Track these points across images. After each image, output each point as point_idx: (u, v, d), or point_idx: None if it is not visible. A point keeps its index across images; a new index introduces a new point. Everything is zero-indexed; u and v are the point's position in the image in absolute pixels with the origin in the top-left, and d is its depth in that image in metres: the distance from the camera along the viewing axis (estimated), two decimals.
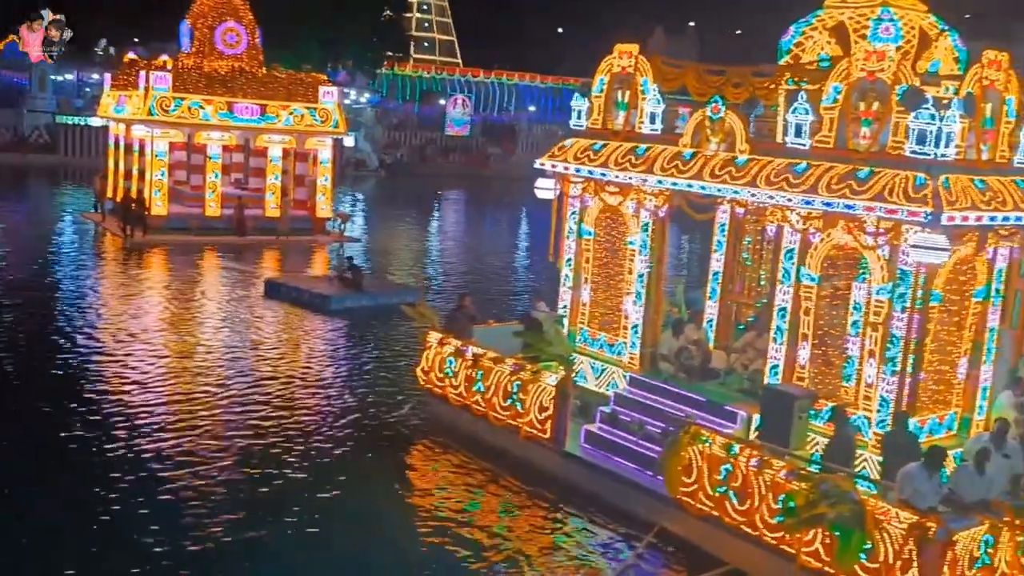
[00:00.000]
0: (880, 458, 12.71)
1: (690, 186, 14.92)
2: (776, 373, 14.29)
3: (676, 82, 15.99)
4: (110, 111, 42.08)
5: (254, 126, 38.59)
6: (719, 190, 14.53)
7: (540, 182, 17.55)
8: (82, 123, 67.09)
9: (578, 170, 16.78)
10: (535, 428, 15.73)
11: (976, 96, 12.69)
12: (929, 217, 12.04)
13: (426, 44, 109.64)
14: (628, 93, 16.25)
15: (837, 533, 11.46)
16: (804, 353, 14.09)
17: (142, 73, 37.90)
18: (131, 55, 44.91)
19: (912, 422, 13.05)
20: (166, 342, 22.69)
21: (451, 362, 17.32)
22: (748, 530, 12.63)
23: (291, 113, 38.98)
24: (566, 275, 17.59)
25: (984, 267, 13.60)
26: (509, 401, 16.15)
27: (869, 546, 11.24)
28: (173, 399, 18.58)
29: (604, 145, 16.51)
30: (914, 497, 11.17)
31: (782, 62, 15.93)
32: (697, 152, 15.05)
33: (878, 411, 13.10)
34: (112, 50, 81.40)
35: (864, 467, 13.00)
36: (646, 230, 16.11)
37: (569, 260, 17.52)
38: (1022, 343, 17.09)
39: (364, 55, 79.04)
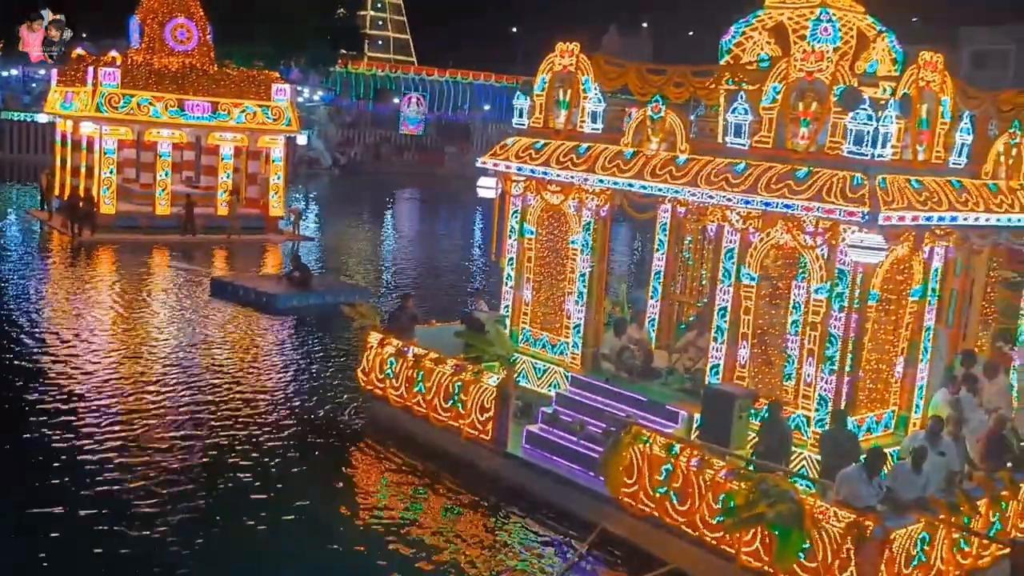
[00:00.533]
0: (819, 457, 12.76)
1: (631, 185, 14.88)
2: (717, 373, 14.30)
3: (618, 81, 15.96)
4: (57, 107, 41.39)
5: (205, 124, 38.15)
6: (660, 189, 14.50)
7: (482, 181, 17.42)
8: (28, 119, 65.91)
9: (520, 169, 16.67)
10: (476, 429, 15.59)
11: (912, 97, 12.80)
12: (866, 217, 12.10)
13: (380, 42, 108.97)
14: (570, 92, 16.17)
15: (776, 532, 11.47)
16: (744, 352, 14.12)
17: (90, 69, 37.35)
18: (79, 50, 44.14)
19: (851, 421, 13.12)
20: (106, 341, 22.28)
21: (392, 363, 17.11)
22: (689, 530, 12.61)
23: (243, 111, 38.61)
24: (508, 274, 17.47)
25: (920, 267, 13.73)
26: (450, 402, 15.99)
27: (808, 545, 11.27)
28: (111, 399, 18.17)
29: (546, 144, 16.42)
30: (852, 498, 11.22)
31: (723, 62, 16.01)
32: (638, 151, 15.02)
33: (817, 410, 13.17)
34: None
35: (803, 466, 13.05)
36: (588, 229, 16.05)
37: (511, 259, 17.40)
38: (957, 342, 17.36)
39: (318, 53, 78.42)
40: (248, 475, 15.21)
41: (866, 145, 12.50)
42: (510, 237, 17.39)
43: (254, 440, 16.65)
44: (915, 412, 14.06)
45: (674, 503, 12.76)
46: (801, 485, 12.03)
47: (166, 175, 38.27)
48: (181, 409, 17.91)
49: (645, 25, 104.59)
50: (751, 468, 12.34)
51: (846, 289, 12.86)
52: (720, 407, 13.47)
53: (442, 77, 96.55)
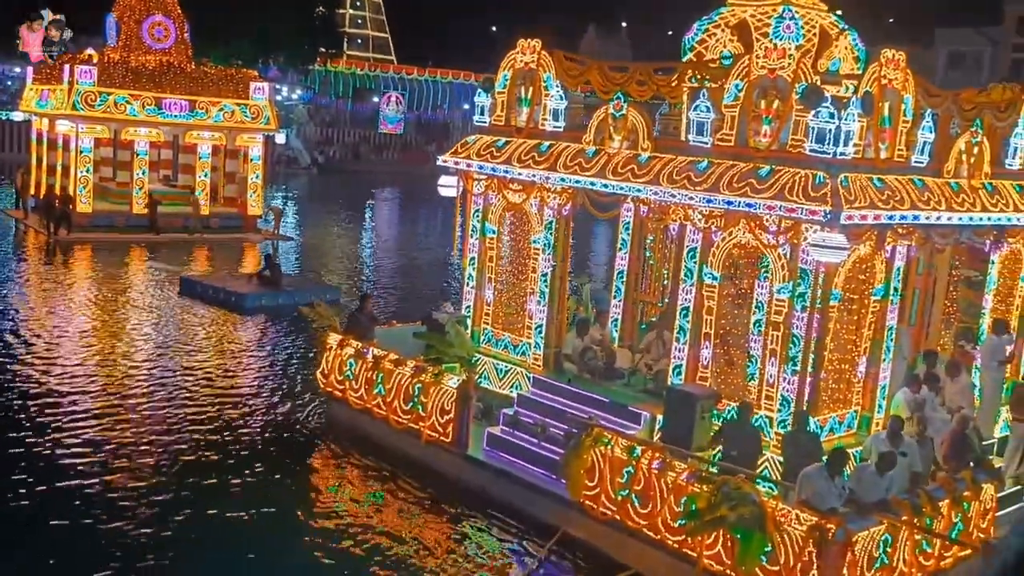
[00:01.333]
0: (781, 458, 12.63)
1: (593, 184, 14.69)
2: (679, 373, 14.15)
3: (580, 78, 15.77)
4: (33, 105, 40.89)
5: (183, 122, 37.82)
6: (622, 188, 14.32)
7: (443, 179, 17.17)
8: (3, 117, 64.83)
9: (481, 167, 16.44)
10: (437, 432, 15.34)
11: (874, 95, 12.68)
12: (828, 216, 11.98)
13: (359, 41, 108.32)
14: (531, 89, 15.96)
15: (738, 535, 11.32)
16: (707, 353, 13.97)
17: (66, 67, 36.88)
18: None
19: (813, 421, 13.01)
20: (69, 341, 21.98)
21: (351, 364, 16.82)
22: (651, 533, 12.43)
23: (221, 109, 38.22)
24: (470, 274, 17.24)
25: (883, 266, 13.63)
26: (410, 404, 15.73)
27: (770, 548, 11.13)
28: (69, 397, 17.90)
29: (507, 142, 16.20)
30: (814, 499, 11.09)
31: (686, 60, 15.87)
32: (600, 149, 14.83)
33: (779, 411, 13.04)
34: None
35: (766, 467, 12.92)
36: (550, 229, 15.84)
37: (473, 259, 17.17)
38: (919, 340, 17.35)
39: (296, 51, 77.93)
40: (203, 477, 14.90)
41: (828, 143, 12.38)
42: (471, 236, 17.15)
43: (210, 441, 16.35)
44: (877, 412, 13.96)
45: (635, 506, 12.58)
46: (764, 487, 11.90)
47: (143, 174, 37.89)
48: (138, 409, 17.63)
49: (624, 25, 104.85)
50: (714, 471, 12.18)
51: (808, 289, 12.73)
52: (682, 408, 13.31)
53: (421, 76, 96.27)
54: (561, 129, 15.62)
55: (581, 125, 15.44)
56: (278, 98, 63.42)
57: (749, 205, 12.77)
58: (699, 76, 14.20)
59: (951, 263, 17.15)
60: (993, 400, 15.61)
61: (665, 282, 17.11)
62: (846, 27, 15.68)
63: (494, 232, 16.89)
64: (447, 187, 17.07)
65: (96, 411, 17.34)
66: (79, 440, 15.90)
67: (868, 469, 11.74)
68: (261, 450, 16.23)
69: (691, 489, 11.94)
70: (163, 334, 23.22)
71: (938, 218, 13.44)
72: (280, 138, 50.51)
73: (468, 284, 17.30)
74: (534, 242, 16.16)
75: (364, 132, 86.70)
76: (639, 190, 14.10)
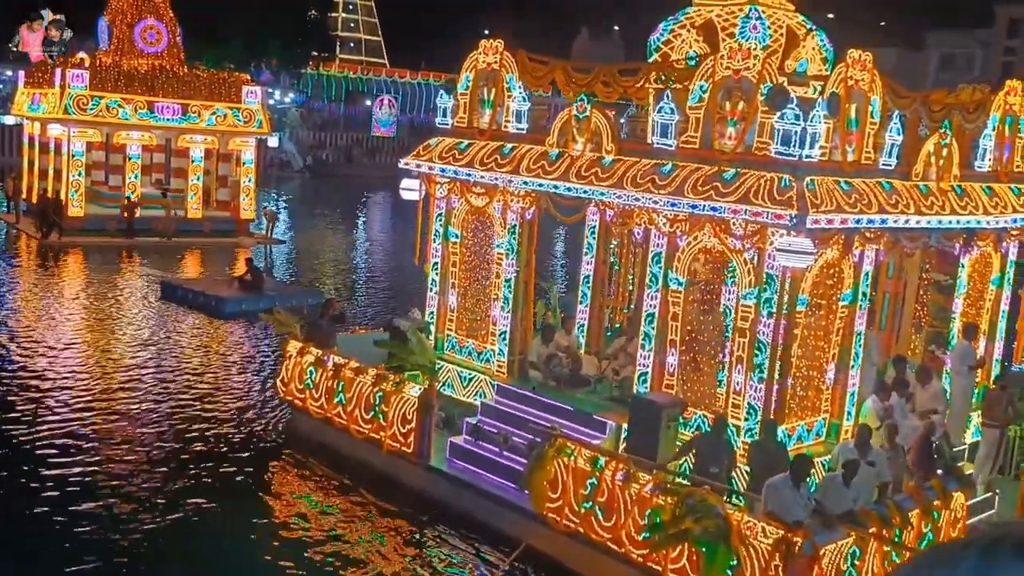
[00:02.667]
0: (748, 468, 12.33)
1: (556, 187, 14.35)
2: (645, 381, 13.83)
3: (544, 79, 15.44)
4: (24, 109, 40.72)
5: (175, 126, 37.74)
6: (585, 192, 13.99)
7: (405, 182, 16.81)
8: None
9: (443, 170, 16.07)
10: (398, 441, 14.95)
11: (841, 96, 12.41)
12: (794, 220, 11.69)
13: (352, 44, 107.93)
14: (494, 90, 15.61)
15: (703, 549, 11.01)
16: (673, 360, 13.66)
17: (58, 70, 36.75)
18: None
19: (781, 430, 12.72)
20: (43, 343, 21.87)
21: (312, 372, 16.41)
22: (615, 547, 12.11)
23: (213, 113, 38.13)
24: (433, 280, 16.86)
25: (851, 270, 13.36)
26: (371, 413, 15.34)
27: (735, 562, 10.82)
28: (30, 398, 17.77)
29: (470, 144, 15.84)
30: (780, 510, 10.79)
31: (651, 60, 15.58)
32: (563, 152, 14.49)
33: (746, 419, 12.74)
34: None
35: (733, 478, 12.61)
36: (513, 233, 15.49)
37: (436, 264, 16.80)
38: (889, 345, 17.14)
39: (289, 54, 77.68)
40: (158, 487, 14.57)
41: (794, 146, 12.09)
42: (434, 241, 16.78)
43: (169, 446, 16.02)
44: (846, 419, 13.68)
45: (599, 518, 12.25)
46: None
47: (135, 178, 37.82)
48: (99, 414, 17.39)
49: (617, 28, 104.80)
50: (680, 482, 11.87)
51: (774, 294, 12.44)
52: (646, 417, 12.99)
53: (414, 79, 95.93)
54: (524, 131, 15.27)
55: (545, 127, 15.09)
56: (271, 102, 63.17)
57: (714, 209, 12.46)
58: (663, 77, 13.88)
59: (921, 267, 16.95)
60: (963, 405, 15.39)
61: (630, 287, 16.80)
62: (813, 27, 15.43)
63: (457, 237, 16.53)
64: (409, 190, 16.71)
65: (55, 414, 17.03)
66: (36, 443, 15.50)
67: (835, 479, 11.46)
68: (219, 460, 15.82)
69: (655, 501, 11.63)
70: (135, 339, 22.89)
71: (906, 221, 13.17)
72: (273, 142, 50.49)
73: (431, 290, 16.92)
74: (497, 247, 15.82)
75: (357, 135, 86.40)
76: (603, 194, 13.78)
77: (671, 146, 13.31)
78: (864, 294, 13.66)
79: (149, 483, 14.66)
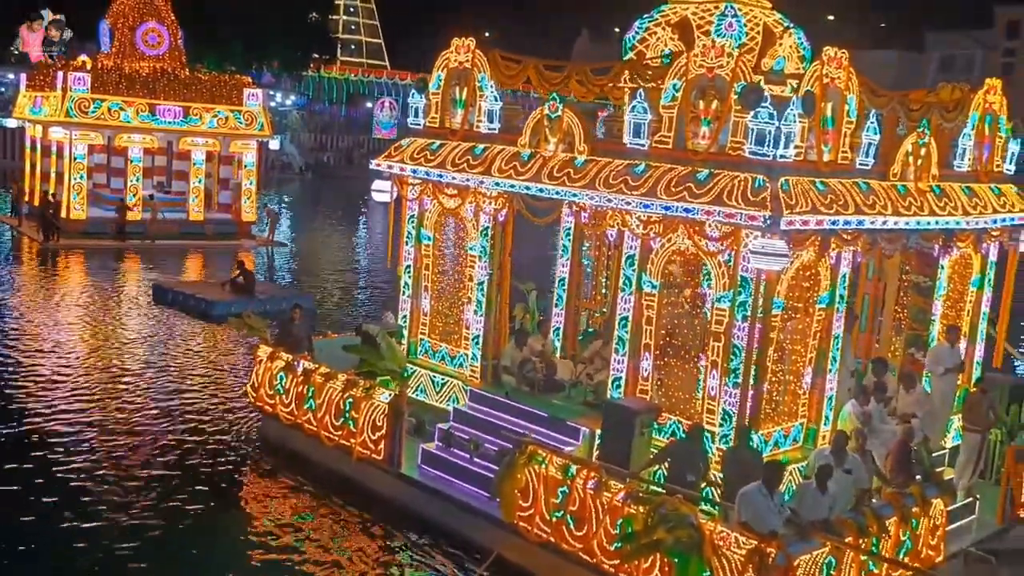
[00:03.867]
0: (723, 476, 12.04)
1: (528, 188, 14.04)
2: (619, 386, 13.54)
3: (516, 78, 15.13)
4: (26, 112, 40.74)
5: (177, 128, 37.78)
6: (558, 193, 13.68)
7: (376, 184, 16.49)
8: None
9: (414, 171, 15.75)
10: (368, 448, 14.62)
11: (816, 95, 12.12)
12: (768, 221, 11.41)
13: (353, 47, 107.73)
14: (466, 90, 15.29)
15: (675, 560, 10.72)
16: (647, 365, 13.37)
17: (60, 73, 36.76)
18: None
19: (757, 436, 12.45)
20: (26, 345, 21.83)
21: (282, 378, 16.07)
22: (587, 557, 11.80)
23: (215, 116, 38.19)
24: (405, 283, 16.54)
25: (827, 273, 13.09)
26: (341, 420, 15.00)
27: (708, 573, 10.53)
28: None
29: (442, 145, 15.52)
30: (753, 519, 10.50)
31: (627, 59, 15.31)
32: (535, 152, 14.19)
33: (721, 425, 12.45)
34: None
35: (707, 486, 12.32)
36: (486, 235, 15.17)
37: (408, 267, 16.47)
38: (870, 348, 16.89)
39: (289, 57, 77.76)
40: (126, 492, 14.34)
41: (768, 145, 11.81)
42: (407, 243, 16.46)
43: (140, 452, 15.82)
44: (824, 424, 13.41)
45: (571, 528, 11.94)
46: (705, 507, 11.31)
47: (137, 180, 37.84)
48: (66, 415, 17.28)
49: (617, 30, 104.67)
50: (652, 490, 11.58)
51: (749, 298, 12.16)
52: (620, 423, 12.70)
53: (415, 81, 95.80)
54: (496, 131, 14.96)
55: (519, 127, 14.77)
56: (272, 104, 63.44)
57: (687, 210, 12.17)
58: (636, 76, 13.59)
59: (901, 268, 16.70)
60: (944, 409, 15.14)
61: (604, 291, 16.52)
62: (791, 25, 15.19)
63: (430, 239, 16.21)
64: (381, 192, 16.39)
65: (30, 415, 16.97)
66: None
67: (810, 486, 11.17)
68: (186, 469, 15.50)
69: (627, 510, 11.32)
70: (117, 342, 22.85)
71: (884, 223, 12.91)
72: (274, 144, 50.41)
73: (404, 293, 16.60)
74: (470, 249, 15.50)
75: (358, 137, 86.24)
76: (575, 195, 13.48)
77: (644, 146, 13.02)
78: (841, 297, 13.39)
79: (111, 487, 14.45)
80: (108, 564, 12.38)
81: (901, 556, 11.81)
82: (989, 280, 16.13)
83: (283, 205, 56.37)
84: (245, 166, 39.87)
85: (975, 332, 16.15)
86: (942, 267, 15.29)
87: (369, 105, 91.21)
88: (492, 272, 15.20)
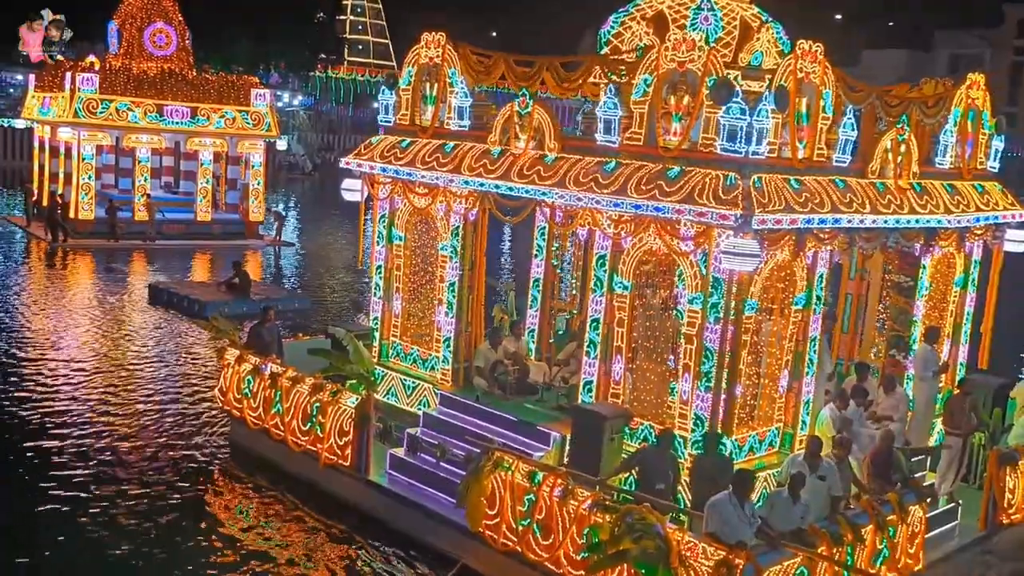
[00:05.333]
0: (691, 483, 11.68)
1: (497, 187, 13.66)
2: (590, 390, 13.16)
3: (487, 74, 14.73)
4: (35, 113, 40.83)
5: (185, 129, 37.88)
6: (527, 191, 13.29)
7: (346, 183, 16.12)
8: (6, 124, 65.64)
9: (384, 169, 15.37)
10: (335, 454, 14.25)
11: (790, 90, 11.75)
12: (739, 220, 11.04)
13: (360, 47, 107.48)
14: (436, 86, 14.90)
15: (642, 571, 10.34)
16: (619, 368, 12.99)
17: (68, 74, 36.82)
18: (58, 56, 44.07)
19: (730, 441, 12.07)
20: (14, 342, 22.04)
21: (249, 381, 15.68)
22: (553, 567, 11.43)
23: (222, 116, 38.24)
24: (376, 284, 16.15)
25: (803, 273, 12.71)
26: (309, 424, 14.63)
27: None
28: None
29: (412, 142, 15.14)
30: (722, 529, 10.13)
31: (601, 53, 14.93)
32: (505, 150, 13.81)
33: (693, 430, 12.08)
34: None
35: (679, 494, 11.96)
36: (456, 234, 14.79)
37: (379, 267, 16.08)
38: (853, 348, 16.54)
39: (297, 57, 77.96)
40: (92, 496, 14.15)
41: (740, 142, 11.42)
42: (378, 243, 16.07)
43: (108, 456, 15.65)
44: (801, 429, 13.03)
45: (537, 537, 11.57)
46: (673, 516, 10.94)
47: (145, 180, 38.01)
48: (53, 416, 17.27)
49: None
50: (621, 499, 11.21)
51: (721, 299, 11.78)
52: (589, 429, 12.33)
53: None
54: (467, 128, 14.57)
55: (489, 124, 14.38)
56: (279, 104, 63.46)
57: (658, 209, 11.79)
58: (609, 71, 13.21)
59: (884, 267, 16.35)
60: (926, 412, 14.77)
61: (574, 291, 16.15)
62: (770, 19, 14.81)
63: (401, 239, 15.82)
64: (351, 191, 16.02)
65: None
66: None
67: (781, 495, 10.80)
68: (156, 471, 15.27)
69: (593, 519, 10.95)
70: (106, 341, 22.83)
71: (861, 221, 12.53)
72: (281, 144, 50.11)
73: (375, 294, 16.21)
74: (441, 249, 15.12)
75: (365, 137, 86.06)
76: (544, 193, 13.09)
77: (615, 143, 12.64)
78: (818, 298, 13.01)
79: (78, 489, 14.28)
80: (79, 557, 12.31)
81: (878, 565, 11.45)
82: (973, 280, 15.74)
83: (290, 205, 56.23)
84: (252, 166, 39.96)
85: (959, 333, 15.78)
86: (923, 267, 14.92)
87: (376, 105, 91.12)
88: (463, 272, 14.81)
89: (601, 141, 12.78)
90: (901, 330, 15.50)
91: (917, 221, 13.58)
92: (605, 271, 12.94)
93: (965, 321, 15.80)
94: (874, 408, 14.16)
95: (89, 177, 36.87)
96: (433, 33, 15.03)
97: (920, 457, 14.36)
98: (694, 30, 13.59)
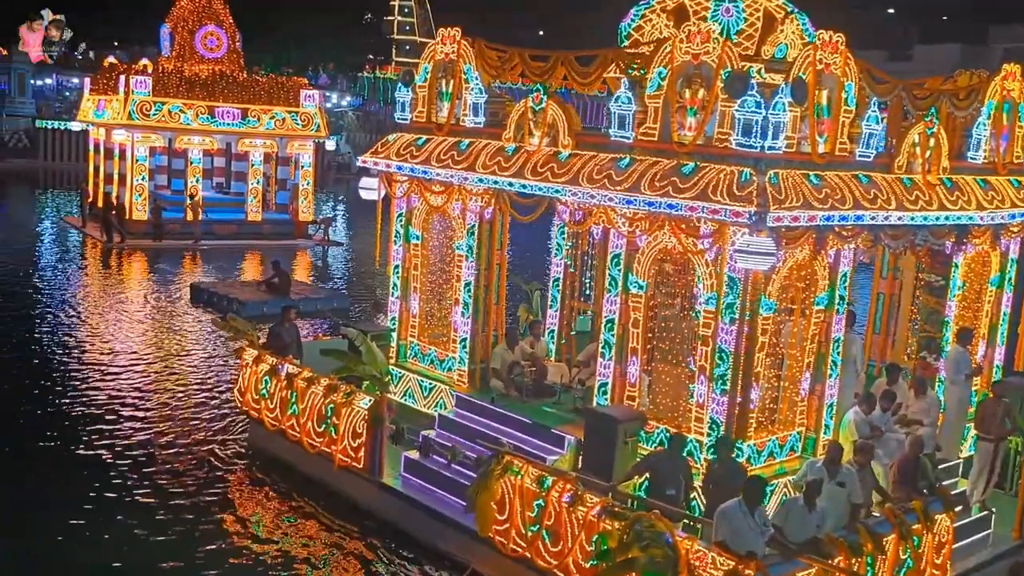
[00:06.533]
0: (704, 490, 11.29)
1: (511, 185, 13.37)
2: (605, 392, 12.82)
3: (504, 68, 14.44)
4: (90, 115, 41.66)
5: (235, 130, 38.49)
6: (540, 189, 12.98)
7: (363, 181, 15.93)
8: (62, 127, 67.13)
9: (400, 168, 15.15)
10: (349, 456, 14.06)
11: (809, 82, 11.31)
12: (753, 217, 10.63)
13: (408, 47, 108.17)
14: (452, 82, 14.65)
15: None
16: (634, 370, 12.63)
17: (122, 77, 37.65)
18: (111, 59, 44.82)
19: (748, 446, 11.67)
20: (56, 336, 22.70)
21: (267, 381, 15.56)
22: (562, 575, 11.12)
23: (272, 117, 38.77)
24: (394, 283, 15.94)
25: (825, 272, 12.27)
26: (323, 426, 14.46)
27: None
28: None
29: (428, 140, 14.91)
30: (731, 538, 9.75)
31: (623, 47, 14.57)
32: (520, 147, 13.52)
33: (709, 434, 11.69)
34: (92, 54, 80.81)
35: (694, 499, 11.58)
36: (472, 233, 14.53)
37: (397, 267, 15.87)
38: (884, 350, 16.03)
39: (345, 58, 78.98)
40: (111, 495, 14.19)
41: (755, 136, 11.02)
42: (395, 242, 15.86)
43: (129, 454, 15.70)
44: (825, 433, 12.58)
45: (546, 543, 11.27)
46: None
47: (197, 181, 38.72)
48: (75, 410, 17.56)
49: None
50: (636, 506, 10.88)
51: (736, 299, 11.38)
52: (602, 432, 12.00)
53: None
54: (482, 125, 14.30)
55: (503, 121, 14.09)
56: (328, 105, 64.08)
57: (671, 206, 11.41)
58: (626, 65, 12.85)
59: (917, 266, 15.81)
60: (959, 417, 14.22)
61: (586, 291, 15.81)
62: (794, 10, 14.35)
63: (418, 238, 15.60)
64: (368, 190, 15.83)
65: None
66: None
67: (797, 502, 10.37)
68: (176, 471, 15.23)
69: (602, 526, 10.63)
70: (144, 339, 23.24)
71: (886, 218, 12.05)
72: (330, 145, 50.41)
73: (393, 294, 16.00)
74: (457, 248, 14.86)
75: None
76: (558, 191, 12.77)
77: (629, 139, 12.29)
78: (842, 297, 12.55)
79: (97, 489, 14.30)
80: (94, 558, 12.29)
81: None
82: (1010, 279, 15.14)
83: (339, 204, 56.46)
84: (302, 166, 40.37)
85: (995, 333, 15.19)
86: (956, 265, 14.36)
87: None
88: (479, 271, 14.54)
89: (615, 137, 12.44)
90: (932, 331, 14.96)
91: (947, 218, 13.05)
92: (620, 270, 12.60)
93: (1001, 322, 15.20)
94: (904, 411, 13.65)
95: (142, 178, 37.59)
96: (449, 29, 14.78)
97: (954, 463, 13.83)
98: (715, 22, 13.23)
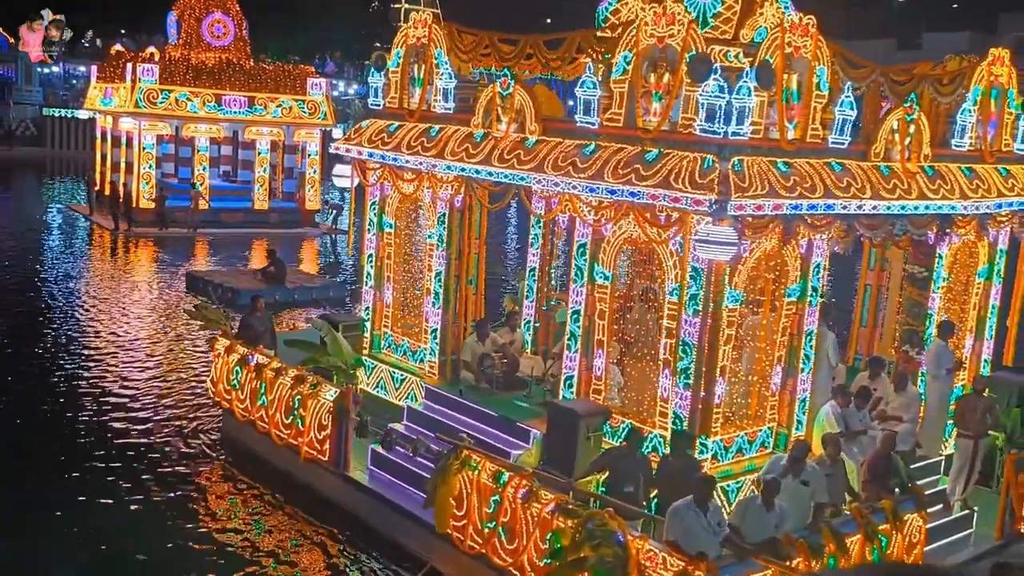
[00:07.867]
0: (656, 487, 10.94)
1: (478, 172, 13.04)
2: (571, 386, 12.49)
3: (475, 53, 14.12)
4: (97, 103, 41.70)
5: (242, 118, 38.35)
6: (507, 176, 12.64)
7: (337, 169, 15.78)
8: (69, 115, 67.30)
9: (371, 155, 14.84)
10: (315, 448, 13.81)
11: (776, 66, 10.91)
12: (714, 206, 10.26)
13: None
14: (423, 67, 14.33)
15: None
16: (600, 363, 12.30)
17: (129, 65, 37.60)
18: (118, 47, 44.60)
19: (715, 442, 11.31)
20: (51, 322, 22.91)
21: (237, 372, 15.33)
22: (517, 573, 10.82)
23: (279, 105, 38.57)
24: (367, 273, 15.66)
25: (796, 262, 11.87)
26: (290, 418, 14.21)
27: None
28: None
29: (400, 126, 14.59)
30: (683, 538, 9.42)
31: (599, 31, 14.19)
32: (488, 133, 13.18)
33: (672, 429, 11.33)
34: (99, 42, 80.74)
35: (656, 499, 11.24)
36: (442, 222, 14.21)
37: (370, 256, 15.58)
38: (871, 343, 15.63)
39: (352, 46, 78.91)
40: (82, 483, 14.09)
41: (719, 122, 10.64)
42: (368, 231, 15.57)
43: (102, 439, 15.67)
44: (797, 429, 12.20)
45: (503, 540, 10.97)
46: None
47: (204, 170, 38.58)
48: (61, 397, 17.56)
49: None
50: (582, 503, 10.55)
51: (700, 290, 11.02)
52: (564, 427, 11.67)
53: (476, 68, 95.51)
54: (452, 111, 13.97)
55: (472, 107, 13.76)
56: (335, 93, 63.85)
57: (633, 194, 11.05)
58: (589, 49, 12.49)
59: (905, 257, 15.37)
60: (940, 413, 13.79)
61: (552, 282, 15.46)
62: None
63: (392, 226, 15.30)
64: (341, 177, 15.58)
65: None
66: None
67: (754, 501, 10.02)
68: (148, 461, 15.02)
69: (556, 524, 10.31)
70: (136, 324, 23.33)
71: (860, 207, 11.63)
72: (337, 133, 50.30)
73: (366, 283, 15.72)
74: (429, 237, 14.56)
75: None
76: (523, 178, 12.42)
77: (594, 124, 11.93)
78: (814, 289, 12.15)
79: (66, 472, 14.28)
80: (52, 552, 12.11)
81: None
82: (998, 270, 14.68)
83: (346, 192, 56.49)
84: (309, 155, 40.10)
85: (983, 327, 14.74)
86: (940, 256, 13.90)
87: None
88: (450, 261, 14.23)
89: (581, 122, 12.08)
90: (915, 324, 14.52)
91: (927, 207, 12.62)
92: (586, 260, 12.25)
93: (989, 315, 14.74)
94: (883, 407, 13.26)
95: (149, 166, 37.46)
96: (421, 12, 14.44)
97: (934, 460, 13.42)
98: (691, 6, 12.82)
